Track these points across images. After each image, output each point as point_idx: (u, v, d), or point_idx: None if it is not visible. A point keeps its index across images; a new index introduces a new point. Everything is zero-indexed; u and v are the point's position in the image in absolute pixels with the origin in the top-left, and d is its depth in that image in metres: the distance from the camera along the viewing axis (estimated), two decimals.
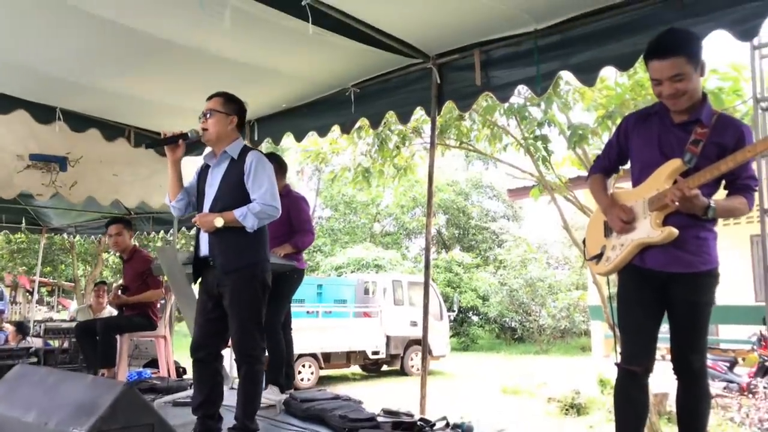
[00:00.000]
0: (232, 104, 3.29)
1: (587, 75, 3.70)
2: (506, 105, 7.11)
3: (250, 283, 3.14)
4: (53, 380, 2.03)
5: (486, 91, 4.20)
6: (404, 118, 4.75)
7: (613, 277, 2.84)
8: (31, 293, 15.90)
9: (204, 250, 3.20)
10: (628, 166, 2.84)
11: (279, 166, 4.70)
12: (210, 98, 3.30)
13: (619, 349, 2.62)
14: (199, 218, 3.17)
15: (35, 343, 6.39)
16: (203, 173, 3.33)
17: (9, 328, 8.81)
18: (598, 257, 2.72)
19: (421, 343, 4.53)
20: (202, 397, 3.18)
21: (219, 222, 3.07)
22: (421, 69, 4.46)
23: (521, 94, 7.04)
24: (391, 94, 4.71)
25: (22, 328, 7.33)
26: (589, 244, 2.83)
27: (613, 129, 5.74)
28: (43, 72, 4.73)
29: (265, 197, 3.11)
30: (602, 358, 11.84)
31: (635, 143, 2.70)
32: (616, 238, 2.66)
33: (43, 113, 5.34)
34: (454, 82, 4.33)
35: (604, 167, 2.88)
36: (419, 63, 4.44)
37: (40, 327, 6.52)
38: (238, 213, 3.08)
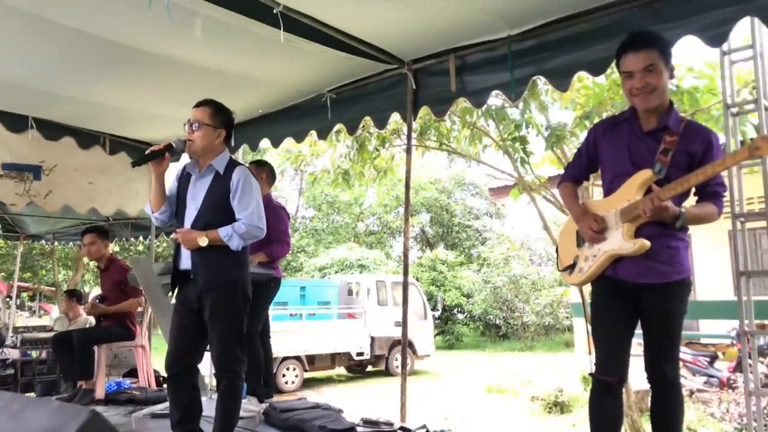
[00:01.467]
0: (220, 116, 3.18)
1: (561, 80, 3.71)
2: (484, 108, 7.15)
3: (232, 298, 3.10)
4: (18, 406, 1.98)
5: (461, 96, 4.20)
6: (380, 124, 4.74)
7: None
8: (11, 298, 15.67)
9: (185, 264, 3.14)
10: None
11: (270, 174, 4.69)
12: (197, 106, 3.17)
13: (593, 359, 2.62)
14: (181, 235, 3.08)
15: (12, 354, 6.29)
16: (184, 181, 3.23)
17: None
18: (571, 268, 2.73)
19: (401, 350, 4.52)
20: (179, 414, 3.14)
21: (203, 241, 3.01)
22: (397, 74, 4.45)
23: (499, 95, 7.07)
24: (367, 99, 4.69)
25: None
26: (562, 254, 2.83)
27: None
28: (13, 81, 4.65)
29: (252, 218, 3.07)
30: (585, 354, 11.92)
31: (605, 152, 2.70)
32: (588, 249, 2.66)
33: (15, 122, 5.28)
34: (429, 87, 4.33)
35: (573, 176, 2.89)
36: (394, 68, 4.42)
37: (17, 338, 6.42)
38: (223, 233, 3.03)
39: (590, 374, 2.62)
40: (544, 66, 3.74)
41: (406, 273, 4.51)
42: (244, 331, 3.18)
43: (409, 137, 4.56)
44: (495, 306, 20.71)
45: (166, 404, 4.30)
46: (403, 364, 4.39)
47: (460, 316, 22.42)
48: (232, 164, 3.18)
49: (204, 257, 3.07)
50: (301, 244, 24.79)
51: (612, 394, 2.57)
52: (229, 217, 3.07)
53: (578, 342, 13.05)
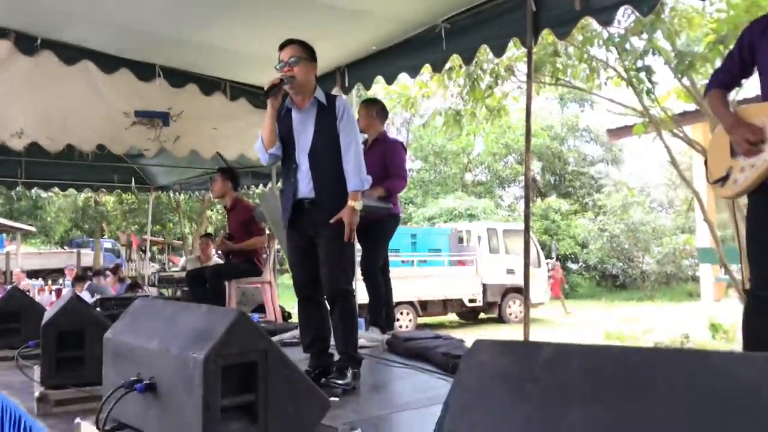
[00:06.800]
0: (311, 52, 3.27)
1: None
2: (605, 36, 6.73)
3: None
4: (171, 311, 2.10)
5: (586, 15, 3.91)
6: (498, 51, 4.56)
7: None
8: (144, 251, 16.95)
9: (304, 192, 3.21)
10: None
11: (381, 110, 4.70)
12: (285, 46, 3.22)
13: (741, 276, 2.41)
14: (349, 223, 3.12)
15: (152, 292, 6.80)
16: (285, 118, 3.31)
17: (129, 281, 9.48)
18: (724, 179, 2.49)
19: (524, 295, 4.40)
20: (312, 335, 3.24)
21: (359, 205, 3.14)
22: None
23: (620, 24, 6.61)
24: (483, 27, 4.49)
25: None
26: (712, 165, 2.59)
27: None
28: (141, 29, 4.88)
29: (357, 148, 3.20)
30: (712, 302, 11.26)
31: (763, 54, 2.43)
32: (744, 159, 2.42)
33: (144, 71, 5.55)
34: (550, 8, 4.06)
35: (723, 82, 2.63)
36: None
37: (155, 276, 6.93)
38: (355, 186, 3.15)
39: (745, 291, 2.41)
40: None
41: (527, 216, 4.33)
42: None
43: (529, 63, 4.33)
44: (612, 255, 19.99)
45: (294, 333, 4.49)
46: (526, 307, 4.26)
47: (574, 266, 21.86)
48: (331, 96, 3.33)
49: (329, 183, 3.17)
50: (409, 195, 24.91)
51: None
52: (338, 142, 3.19)
53: (705, 290, 12.34)
